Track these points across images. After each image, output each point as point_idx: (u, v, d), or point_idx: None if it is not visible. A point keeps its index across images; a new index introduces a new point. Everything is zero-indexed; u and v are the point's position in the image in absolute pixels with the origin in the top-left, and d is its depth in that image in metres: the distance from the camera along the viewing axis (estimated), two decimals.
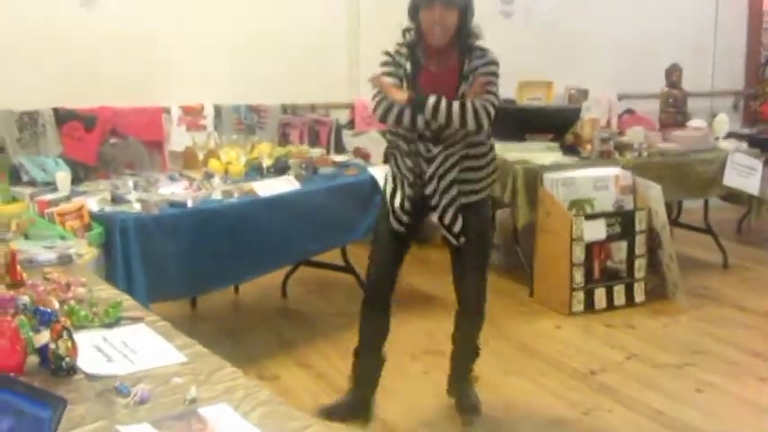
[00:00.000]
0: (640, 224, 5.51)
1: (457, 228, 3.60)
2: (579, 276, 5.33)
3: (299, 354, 4.72)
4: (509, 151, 5.78)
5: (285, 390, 4.07)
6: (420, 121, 3.45)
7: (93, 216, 3.91)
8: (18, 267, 2.79)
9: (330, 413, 3.79)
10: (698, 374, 4.49)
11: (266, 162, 4.94)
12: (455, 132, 3.48)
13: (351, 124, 6.70)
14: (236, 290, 5.74)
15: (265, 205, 4.49)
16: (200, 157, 5.07)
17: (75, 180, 4.56)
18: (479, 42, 3.58)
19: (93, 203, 4.05)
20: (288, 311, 5.60)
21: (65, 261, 3.18)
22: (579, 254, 5.32)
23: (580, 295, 5.35)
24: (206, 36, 6.20)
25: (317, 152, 5.52)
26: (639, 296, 5.53)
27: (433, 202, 3.58)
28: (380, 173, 5.14)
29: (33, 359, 2.14)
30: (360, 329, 3.83)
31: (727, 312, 5.52)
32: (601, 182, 5.53)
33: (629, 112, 7.52)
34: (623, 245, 5.47)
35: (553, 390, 4.29)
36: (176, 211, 4.10)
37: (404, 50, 3.56)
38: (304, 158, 5.12)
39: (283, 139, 6.26)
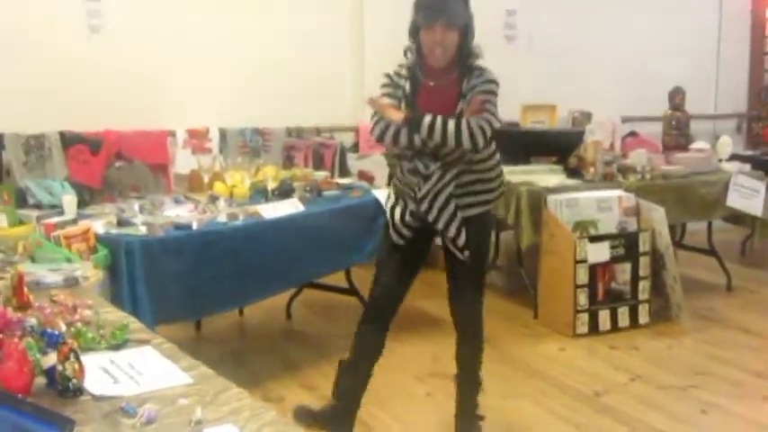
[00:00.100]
0: (644, 246, 5.53)
1: (461, 241, 3.58)
2: (583, 298, 5.34)
3: (303, 376, 4.73)
4: (513, 173, 5.80)
5: (290, 411, 4.07)
6: (417, 140, 3.44)
7: (99, 239, 3.94)
8: (25, 289, 2.81)
9: (308, 418, 3.80)
10: (702, 396, 4.49)
11: (271, 185, 4.96)
12: (453, 150, 3.48)
13: (355, 147, 6.73)
14: (241, 312, 5.75)
15: (270, 228, 4.50)
16: (206, 179, 5.09)
17: (81, 203, 4.58)
18: (480, 62, 3.59)
19: (98, 226, 4.07)
20: (292, 333, 5.62)
21: (71, 283, 3.20)
22: (583, 275, 5.33)
23: (584, 317, 5.36)
24: (211, 60, 6.26)
25: (321, 175, 5.54)
26: (644, 318, 5.54)
27: (431, 217, 3.57)
28: (384, 195, 5.18)
29: (40, 380, 2.15)
30: (353, 344, 3.79)
31: (731, 334, 5.52)
32: (604, 203, 5.55)
33: (633, 134, 7.54)
34: (627, 266, 5.48)
35: (557, 411, 4.29)
36: (181, 234, 4.12)
37: (404, 71, 3.57)
38: (308, 181, 5.15)
39: (288, 162, 6.29)
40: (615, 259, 5.44)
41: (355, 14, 6.91)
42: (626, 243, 5.48)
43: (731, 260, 6.90)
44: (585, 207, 5.51)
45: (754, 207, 6.24)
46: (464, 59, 3.53)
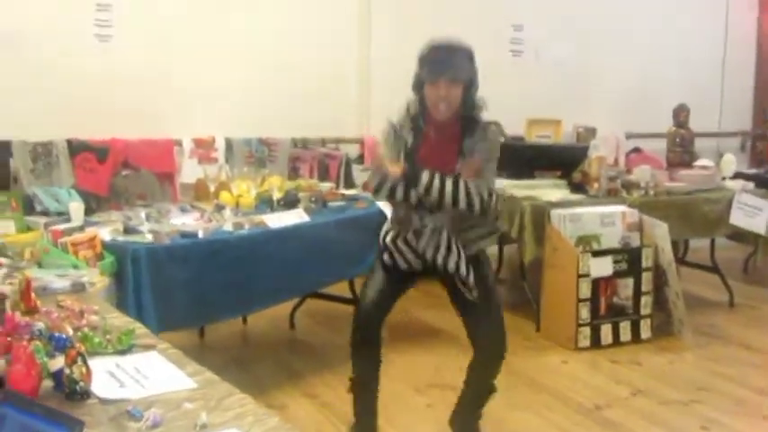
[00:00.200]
0: (647, 261, 5.54)
1: (471, 279, 3.55)
2: (585, 312, 5.36)
3: (306, 384, 4.75)
4: (517, 187, 5.85)
5: (292, 419, 4.09)
6: (413, 196, 3.45)
7: (106, 246, 3.96)
8: (32, 295, 2.84)
9: None
10: (704, 411, 4.50)
11: (276, 195, 4.98)
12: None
13: (360, 159, 6.76)
14: (245, 321, 5.78)
15: (275, 237, 4.53)
16: (212, 189, 5.12)
17: (88, 211, 4.59)
18: (483, 113, 3.58)
19: (105, 233, 4.10)
20: (295, 342, 5.64)
21: (78, 289, 3.23)
22: (586, 290, 5.35)
23: (586, 331, 5.38)
24: (218, 70, 6.30)
25: (326, 186, 5.57)
26: (646, 333, 5.55)
27: (440, 263, 3.55)
28: (389, 207, 5.20)
29: (48, 383, 2.17)
30: (353, 365, 3.76)
31: (733, 351, 5.54)
32: (607, 218, 5.57)
33: (637, 150, 7.58)
34: (630, 281, 5.50)
35: (559, 424, 4.30)
36: (187, 242, 4.14)
37: (407, 123, 3.55)
38: (314, 192, 5.18)
39: (293, 173, 6.33)
40: (618, 274, 5.46)
41: (362, 27, 6.95)
42: (629, 258, 5.50)
43: (734, 277, 6.92)
44: (589, 222, 5.53)
45: (757, 225, 6.25)
46: (467, 112, 3.52)
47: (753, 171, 7.17)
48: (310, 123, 6.55)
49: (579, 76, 7.70)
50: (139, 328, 2.73)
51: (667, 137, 7.14)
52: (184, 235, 4.18)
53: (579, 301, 5.34)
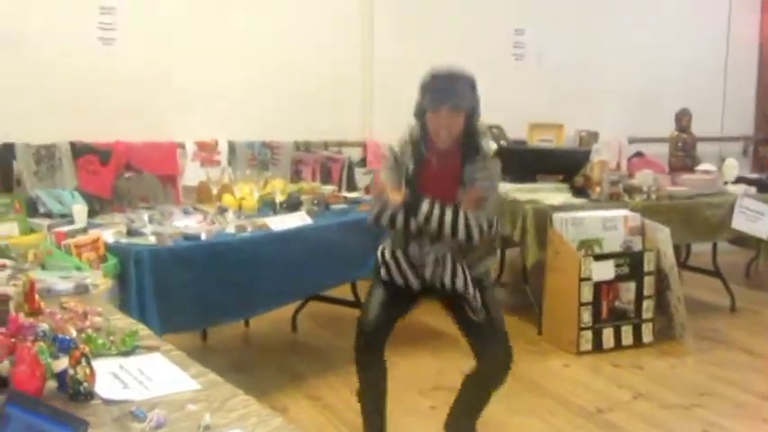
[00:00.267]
0: (649, 265, 5.55)
1: (479, 302, 3.54)
2: (587, 316, 5.37)
3: (308, 386, 4.77)
4: (519, 191, 5.86)
5: (294, 421, 4.04)
6: (413, 225, 3.45)
7: (109, 248, 3.98)
8: (36, 296, 2.85)
9: None
10: (705, 415, 4.51)
11: (279, 198, 5.00)
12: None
13: (363, 162, 6.77)
14: (247, 323, 5.79)
15: (278, 240, 4.54)
16: (215, 191, 5.13)
17: (90, 213, 4.61)
18: (484, 140, 3.58)
19: (108, 236, 4.11)
20: (298, 345, 5.66)
21: (81, 291, 3.24)
22: (587, 293, 5.36)
23: (588, 335, 5.39)
24: (221, 73, 6.32)
25: (329, 189, 5.58)
26: (647, 337, 5.56)
27: (447, 286, 3.55)
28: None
29: (52, 384, 2.18)
30: (357, 374, 3.74)
31: (735, 355, 5.54)
32: (609, 222, 5.57)
33: (639, 155, 7.59)
34: (631, 285, 5.50)
35: (560, 428, 4.31)
36: (190, 244, 4.16)
37: (408, 149, 3.55)
38: (316, 194, 5.20)
39: (296, 176, 6.34)
40: (620, 278, 5.46)
41: (365, 31, 6.96)
42: (631, 262, 5.50)
43: (736, 282, 6.92)
44: (591, 226, 5.53)
45: (759, 230, 6.25)
46: (469, 140, 3.51)
47: (755, 176, 7.16)
48: (313, 126, 6.56)
49: (581, 80, 7.71)
50: (143, 330, 2.74)
51: (669, 141, 7.14)
52: (187, 237, 4.19)
53: (581, 304, 5.35)
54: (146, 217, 4.54)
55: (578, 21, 7.76)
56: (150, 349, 2.55)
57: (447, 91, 3.42)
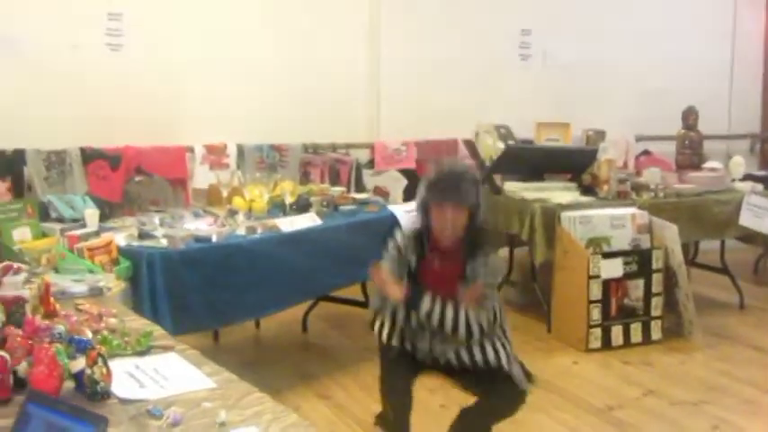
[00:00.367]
0: (657, 263, 5.57)
1: (492, 360, 3.51)
2: (596, 313, 5.39)
3: (319, 385, 4.81)
4: (527, 190, 5.89)
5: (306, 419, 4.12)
6: (413, 320, 3.44)
7: (121, 251, 4.02)
8: (51, 299, 2.89)
9: None
10: (714, 411, 4.53)
11: (289, 199, 5.03)
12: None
13: (371, 163, 6.79)
14: (258, 324, 5.83)
15: (288, 241, 4.57)
16: (224, 194, 5.17)
17: (101, 217, 4.63)
18: (485, 235, 3.59)
19: (120, 239, 4.15)
20: (308, 345, 5.69)
21: (95, 293, 3.29)
22: (596, 291, 5.38)
23: (597, 332, 5.41)
24: (228, 77, 6.35)
25: (337, 190, 5.61)
26: (656, 334, 5.58)
27: (467, 363, 3.52)
28: (400, 210, 5.25)
29: (69, 384, 2.22)
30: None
31: (743, 351, 5.55)
32: (617, 220, 5.59)
33: (646, 153, 7.61)
34: (640, 283, 5.52)
35: (570, 425, 4.33)
36: (202, 246, 4.19)
37: (411, 243, 3.54)
38: (325, 196, 5.22)
39: (304, 178, 6.37)
40: (628, 276, 5.48)
41: (372, 32, 6.99)
42: (639, 260, 5.52)
43: (744, 279, 6.92)
44: (599, 224, 5.55)
45: (766, 226, 6.25)
46: (472, 236, 3.49)
47: (762, 173, 7.17)
48: (321, 129, 6.59)
49: (588, 79, 7.72)
50: (157, 330, 2.78)
51: (676, 139, 7.15)
52: (198, 239, 4.22)
53: (590, 302, 5.37)
54: (157, 220, 4.57)
55: (584, 20, 7.77)
56: (165, 349, 2.59)
57: (452, 187, 3.42)
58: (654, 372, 5.13)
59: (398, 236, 3.56)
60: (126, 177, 5.83)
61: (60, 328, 2.47)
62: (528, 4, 7.60)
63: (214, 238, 4.27)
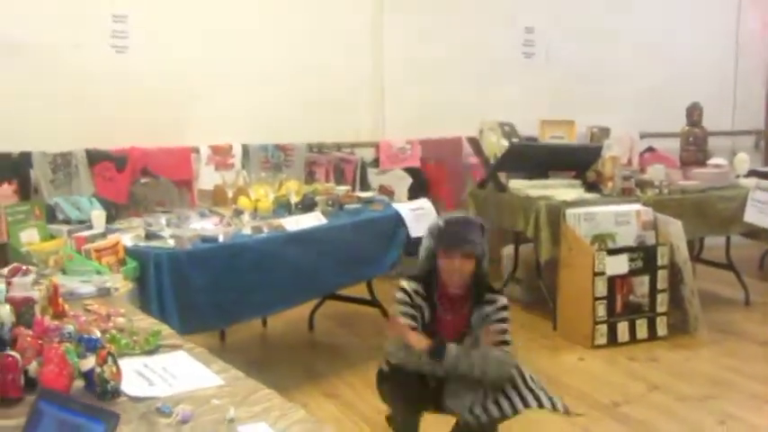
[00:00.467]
0: (662, 259, 5.57)
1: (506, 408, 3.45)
2: (602, 310, 5.40)
3: (326, 384, 4.83)
4: (532, 188, 5.91)
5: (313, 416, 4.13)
6: (440, 369, 3.40)
7: (128, 251, 4.04)
8: (60, 299, 2.91)
9: None
10: (720, 406, 4.54)
11: (294, 199, 5.05)
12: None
13: (375, 162, 6.81)
14: (264, 323, 5.85)
15: (293, 240, 4.59)
16: (230, 194, 5.18)
17: (107, 218, 4.65)
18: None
19: (127, 240, 4.17)
20: (315, 344, 5.71)
21: (103, 293, 3.31)
22: (602, 288, 5.39)
23: (603, 328, 5.42)
24: (234, 78, 6.37)
25: (342, 189, 5.62)
26: (662, 330, 5.58)
27: (497, 414, 3.47)
28: (405, 208, 5.27)
29: (79, 383, 2.25)
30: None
31: (749, 347, 5.56)
32: (622, 217, 5.59)
33: (651, 150, 7.62)
34: (645, 279, 5.53)
35: (577, 421, 4.33)
36: (208, 246, 4.21)
37: (420, 291, 3.53)
38: (330, 195, 5.24)
39: (309, 178, 6.39)
40: (633, 272, 5.49)
41: (375, 34, 7.00)
42: (644, 256, 5.53)
43: (749, 275, 6.92)
44: (603, 221, 5.56)
45: None
46: (479, 286, 3.53)
47: (766, 169, 7.17)
48: (325, 128, 6.61)
49: (592, 76, 7.73)
50: (165, 330, 2.80)
51: (681, 136, 7.15)
52: (205, 239, 4.24)
53: (595, 299, 5.38)
54: (163, 221, 4.59)
55: (588, 17, 7.78)
56: (173, 347, 2.61)
57: (460, 238, 3.46)
58: (660, 368, 5.14)
59: (406, 286, 3.54)
60: (132, 179, 5.86)
61: (69, 327, 2.49)
62: (531, 1, 7.62)
63: (221, 238, 4.28)
